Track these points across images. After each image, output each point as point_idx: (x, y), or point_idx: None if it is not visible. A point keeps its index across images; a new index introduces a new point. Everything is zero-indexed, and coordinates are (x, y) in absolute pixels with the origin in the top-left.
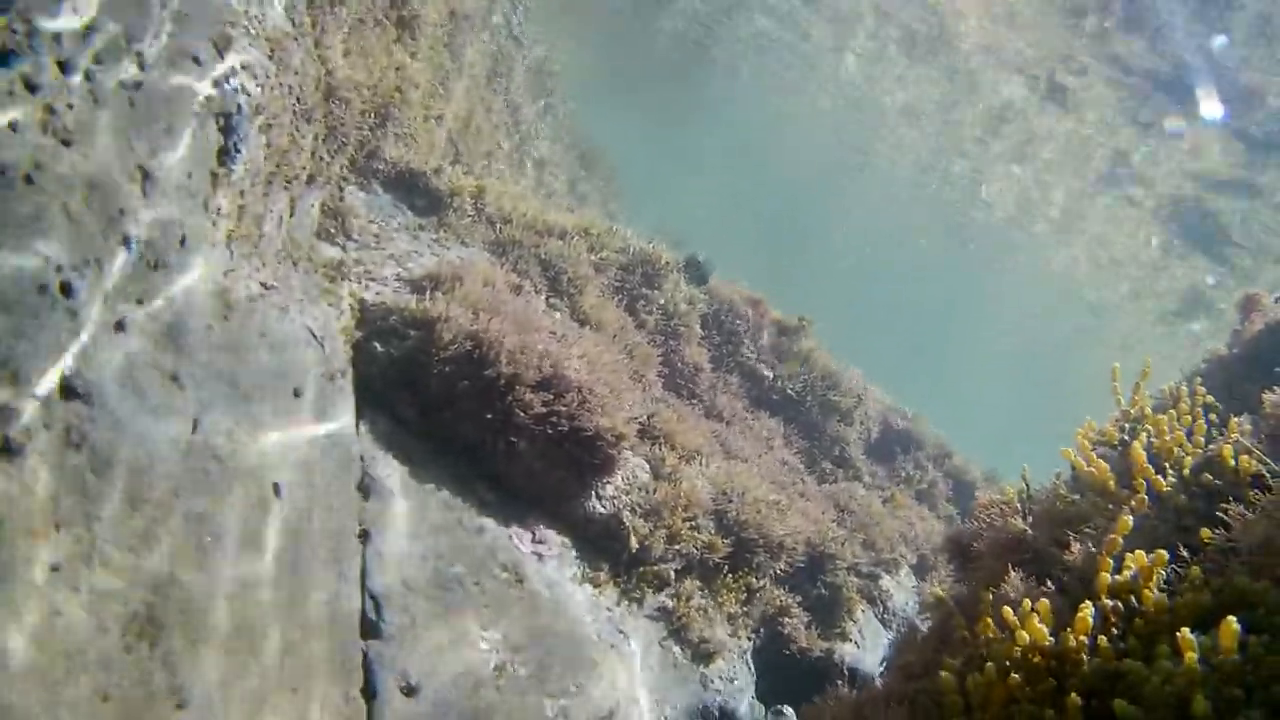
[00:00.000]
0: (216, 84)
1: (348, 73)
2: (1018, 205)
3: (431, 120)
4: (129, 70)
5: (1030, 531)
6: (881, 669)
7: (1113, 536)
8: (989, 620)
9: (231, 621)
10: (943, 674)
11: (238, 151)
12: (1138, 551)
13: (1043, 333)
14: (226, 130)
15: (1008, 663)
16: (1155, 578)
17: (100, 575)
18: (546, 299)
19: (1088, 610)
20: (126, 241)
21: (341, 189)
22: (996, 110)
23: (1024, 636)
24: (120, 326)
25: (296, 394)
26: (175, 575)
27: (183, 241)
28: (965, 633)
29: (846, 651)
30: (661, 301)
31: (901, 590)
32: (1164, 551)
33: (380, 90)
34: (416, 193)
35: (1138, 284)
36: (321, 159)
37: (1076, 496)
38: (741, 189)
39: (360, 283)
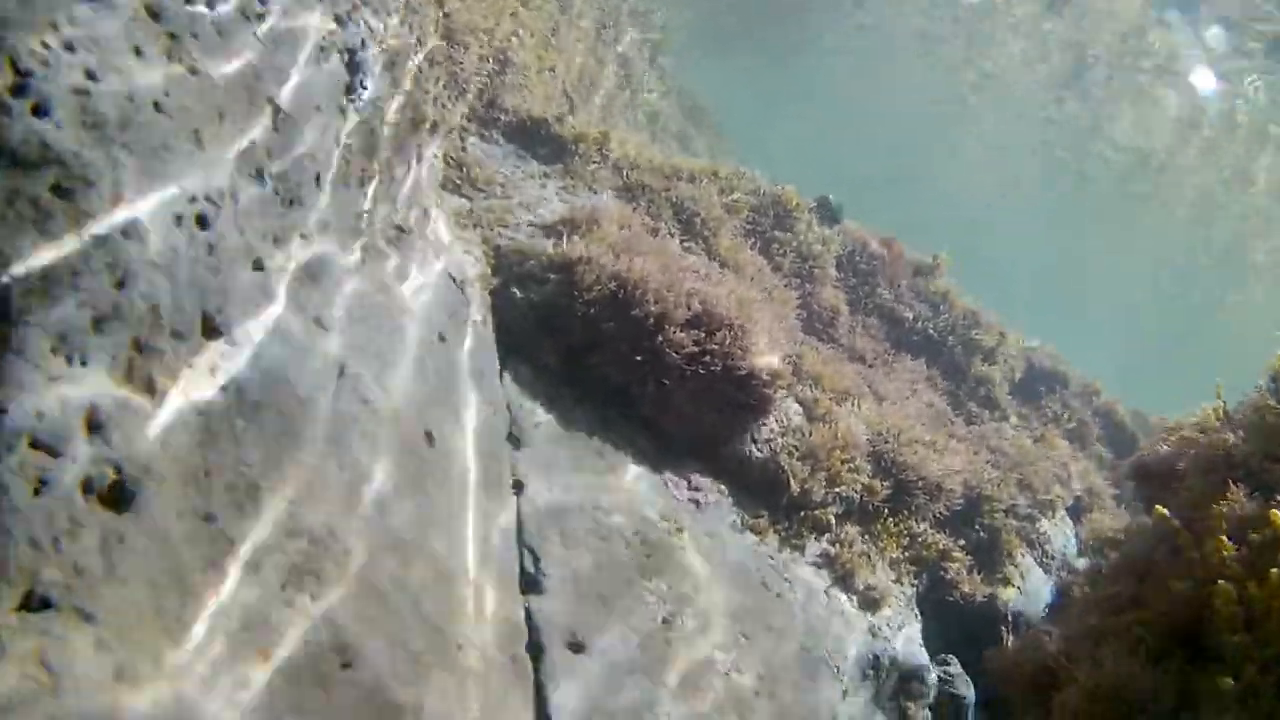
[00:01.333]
0: (339, 20)
1: (466, 16)
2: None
3: (546, 71)
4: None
5: (1243, 447)
6: (1045, 614)
7: None
8: (1222, 539)
9: (384, 572)
10: (1221, 586)
11: (364, 88)
12: None
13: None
14: (351, 66)
15: None
16: None
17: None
18: (681, 242)
19: None
20: (260, 176)
21: (464, 139)
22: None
23: None
24: (258, 266)
25: (442, 339)
26: (330, 526)
27: (317, 179)
28: (1193, 554)
29: (1009, 597)
30: (795, 244)
31: (1059, 532)
32: None
33: (498, 35)
34: (539, 141)
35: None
36: (444, 106)
37: None
38: (850, 135)
39: (492, 229)
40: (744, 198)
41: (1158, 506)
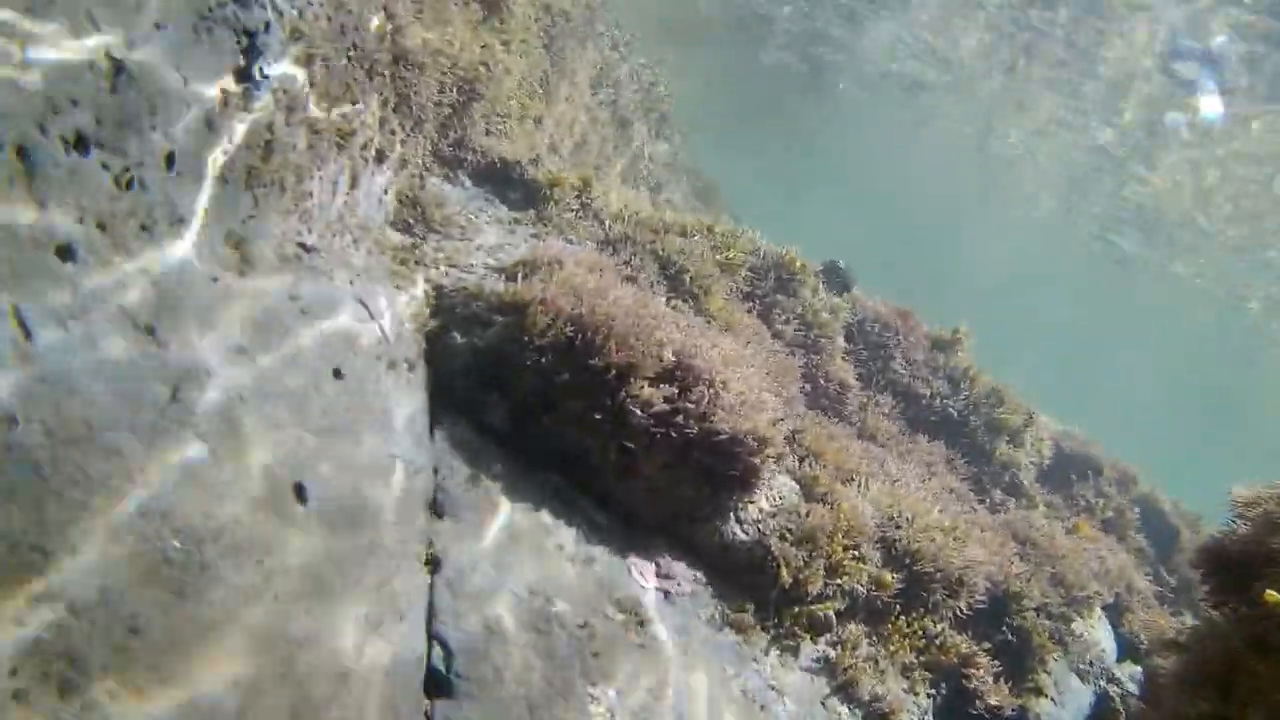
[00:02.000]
0: None
1: (421, 34)
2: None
3: (530, 120)
4: None
5: None
6: None
7: None
8: None
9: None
10: None
11: (265, 78)
12: None
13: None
14: (250, 51)
15: None
16: None
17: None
18: (667, 300)
19: None
20: (83, 142)
21: (423, 178)
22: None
23: None
24: (65, 253)
25: (336, 375)
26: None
27: (170, 160)
28: None
29: (1042, 709)
30: (799, 310)
31: (1097, 634)
32: None
33: (463, 63)
34: (511, 185)
35: None
36: (393, 132)
37: None
38: (864, 219)
39: (439, 268)
40: (741, 256)
41: (1270, 592)
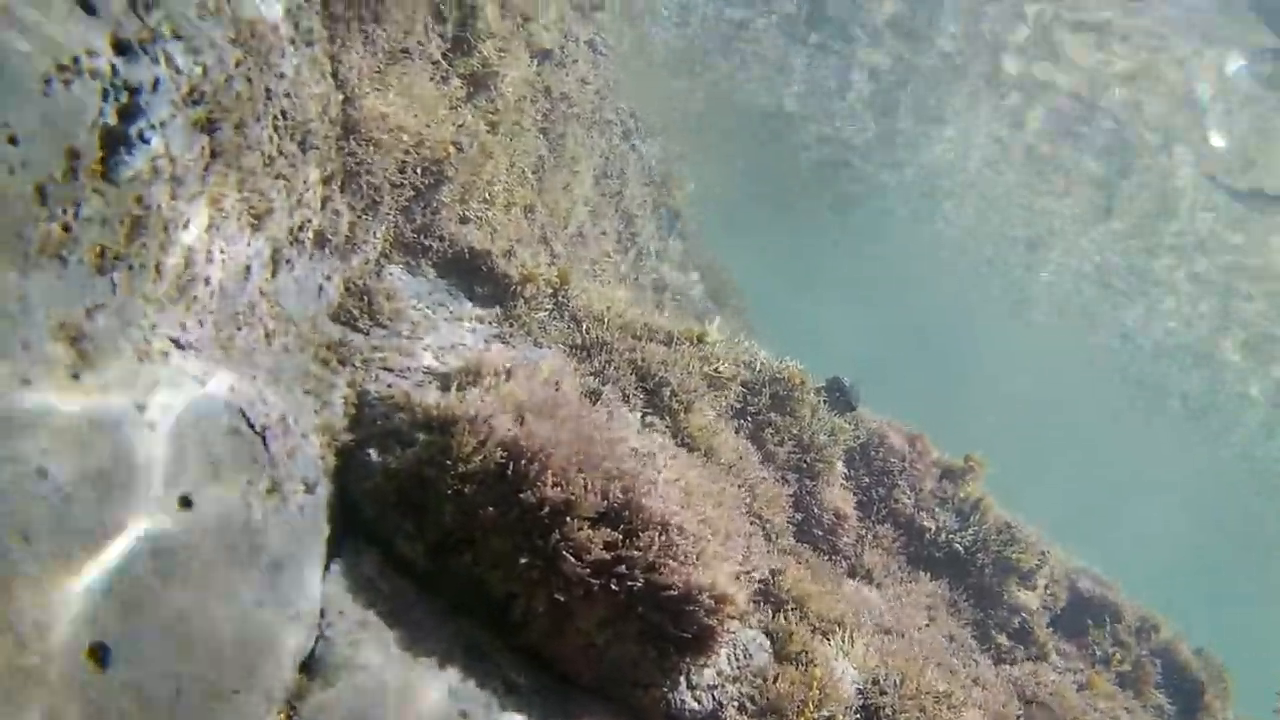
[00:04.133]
0: (122, 46)
1: (380, 106)
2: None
3: (516, 209)
4: None
5: None
6: None
7: None
8: None
9: None
10: None
11: (144, 141)
12: None
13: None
14: (129, 111)
15: None
16: None
17: None
18: (643, 416)
19: None
20: None
21: (380, 266)
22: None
23: None
24: None
25: (184, 504)
26: None
27: None
28: None
29: None
30: (795, 431)
31: None
32: None
33: (430, 141)
34: (479, 278)
35: None
36: (337, 213)
37: None
38: (882, 332)
39: (368, 371)
40: (732, 369)
41: None
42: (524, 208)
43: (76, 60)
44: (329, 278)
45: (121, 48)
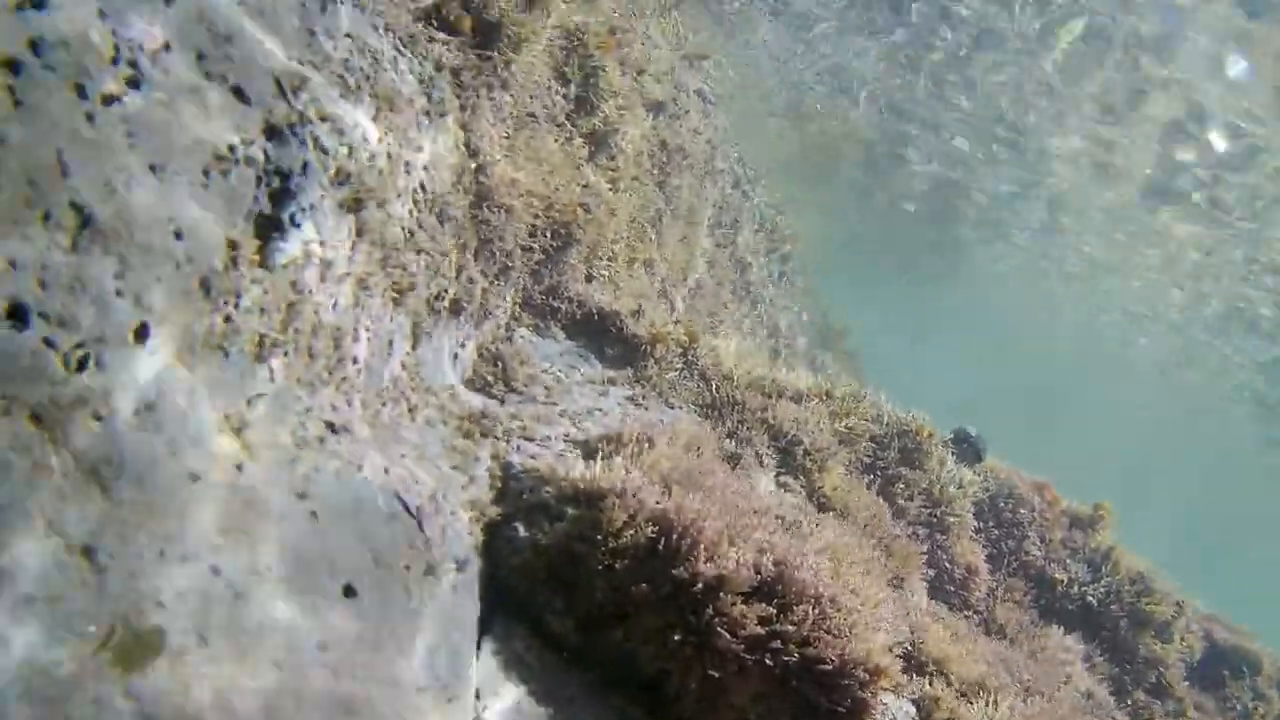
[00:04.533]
0: (272, 131)
1: (510, 172)
2: None
3: (639, 264)
4: (103, 80)
5: None
6: None
7: None
8: None
9: None
10: None
11: (296, 226)
12: None
13: None
14: (280, 195)
15: None
16: None
17: None
18: (776, 476)
19: None
20: (20, 313)
21: (510, 329)
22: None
23: None
24: None
25: (348, 593)
26: None
27: (142, 333)
28: None
29: None
30: (925, 484)
31: None
32: None
33: (559, 204)
34: (608, 339)
35: None
36: (472, 280)
37: None
38: (992, 377)
39: (510, 441)
40: (862, 425)
41: None
42: (644, 262)
43: (233, 149)
44: (463, 345)
45: (272, 132)
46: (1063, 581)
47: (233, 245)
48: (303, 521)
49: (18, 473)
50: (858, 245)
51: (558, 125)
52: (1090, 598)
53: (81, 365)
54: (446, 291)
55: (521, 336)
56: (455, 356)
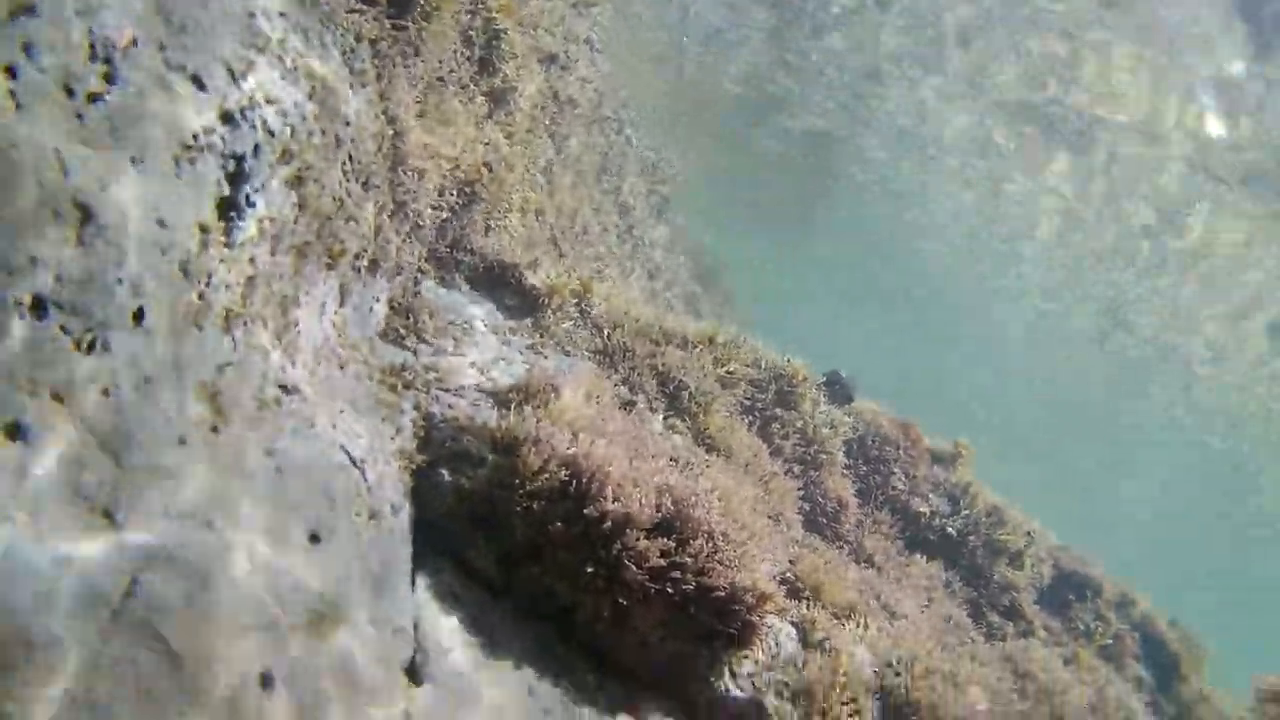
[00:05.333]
0: (226, 117)
1: (423, 137)
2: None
3: (530, 213)
4: (87, 79)
5: None
6: None
7: None
8: None
9: None
10: None
11: (250, 206)
12: None
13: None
14: (236, 177)
15: None
16: None
17: None
18: (665, 418)
19: None
20: (40, 306)
21: (417, 282)
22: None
23: None
24: (13, 432)
25: (313, 539)
26: None
27: (139, 316)
28: None
29: None
30: (799, 424)
31: None
32: None
33: (465, 165)
34: (508, 291)
35: None
36: (388, 240)
37: None
38: (869, 314)
39: (429, 393)
40: (742, 369)
41: None
42: (537, 211)
43: (196, 137)
44: (378, 299)
45: (226, 118)
46: (925, 514)
47: (203, 229)
48: (272, 476)
49: (49, 443)
50: (735, 186)
51: (463, 88)
52: (950, 529)
53: (91, 348)
54: (366, 251)
55: (428, 289)
56: (371, 311)
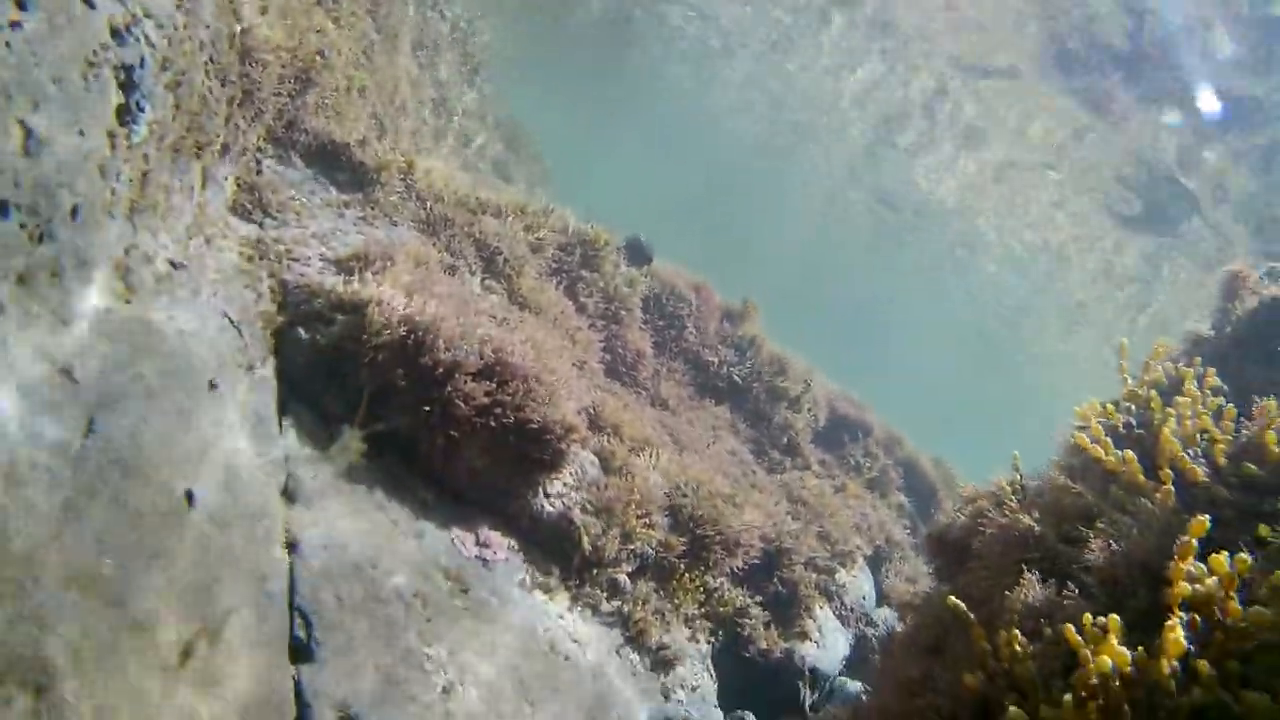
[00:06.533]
0: (115, 32)
1: (265, 32)
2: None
3: (354, 92)
4: (8, 7)
5: (1037, 528)
6: (841, 667)
7: (1187, 540)
8: (1015, 632)
9: (139, 661)
10: (1011, 710)
11: (140, 110)
12: (1218, 555)
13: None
14: (127, 86)
15: (1084, 693)
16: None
17: None
18: (482, 280)
19: (1177, 630)
20: (3, 209)
21: (259, 161)
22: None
23: (1105, 661)
24: None
25: (212, 387)
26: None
27: (74, 212)
28: (985, 644)
29: (806, 651)
30: (601, 284)
31: (857, 584)
32: (1246, 555)
33: (301, 54)
34: (340, 167)
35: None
36: (237, 126)
37: (1080, 488)
38: (671, 177)
39: (281, 262)
40: (551, 235)
41: (950, 597)
42: (360, 90)
43: (95, 53)
44: (226, 179)
45: (114, 33)
46: (714, 363)
47: (110, 135)
48: (175, 339)
49: (15, 317)
50: (541, 49)
51: None
52: (736, 376)
53: (40, 239)
54: (218, 137)
55: (269, 167)
56: (221, 187)
